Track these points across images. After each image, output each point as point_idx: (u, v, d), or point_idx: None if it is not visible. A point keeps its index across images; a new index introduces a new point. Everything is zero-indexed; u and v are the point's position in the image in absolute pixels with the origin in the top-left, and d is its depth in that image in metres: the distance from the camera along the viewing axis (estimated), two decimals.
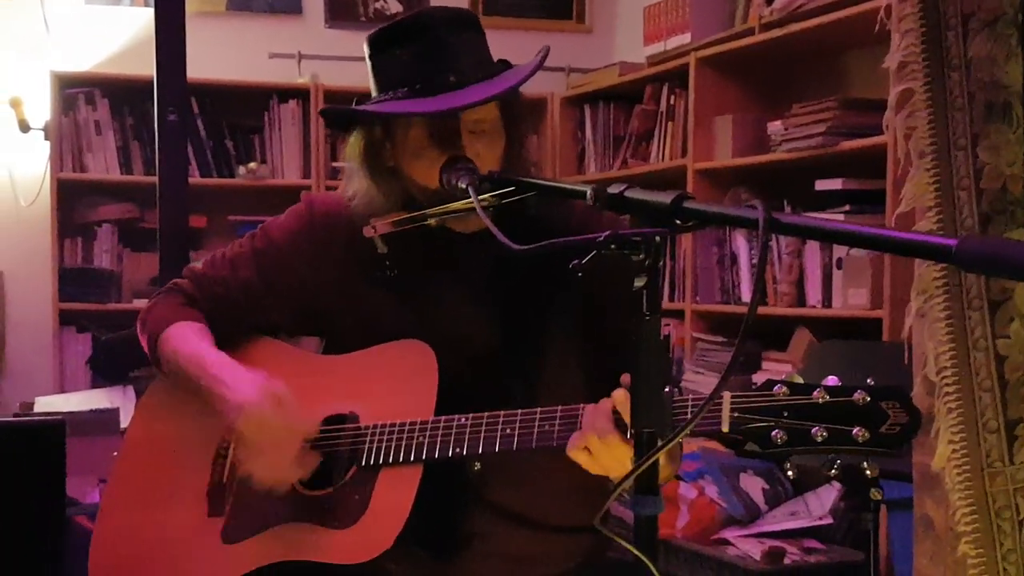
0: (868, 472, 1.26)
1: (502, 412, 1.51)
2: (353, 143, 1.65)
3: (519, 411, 1.50)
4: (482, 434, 1.51)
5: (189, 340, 1.71)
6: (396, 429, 1.57)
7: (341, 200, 1.72)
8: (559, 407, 1.48)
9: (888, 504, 2.39)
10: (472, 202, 1.44)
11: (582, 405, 1.45)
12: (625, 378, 1.39)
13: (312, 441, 1.61)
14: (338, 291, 1.71)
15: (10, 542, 2.06)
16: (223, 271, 1.77)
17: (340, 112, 1.66)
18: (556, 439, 1.46)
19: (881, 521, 2.55)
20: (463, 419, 1.53)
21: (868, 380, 1.31)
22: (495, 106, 1.61)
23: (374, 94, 1.64)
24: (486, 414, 1.52)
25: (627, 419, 1.32)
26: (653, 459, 1.10)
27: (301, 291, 1.73)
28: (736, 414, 1.33)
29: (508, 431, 1.50)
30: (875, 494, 2.29)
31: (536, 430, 1.48)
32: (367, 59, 1.64)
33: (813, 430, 1.29)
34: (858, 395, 1.29)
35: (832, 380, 1.32)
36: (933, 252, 0.95)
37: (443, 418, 1.55)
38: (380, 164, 1.64)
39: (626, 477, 1.11)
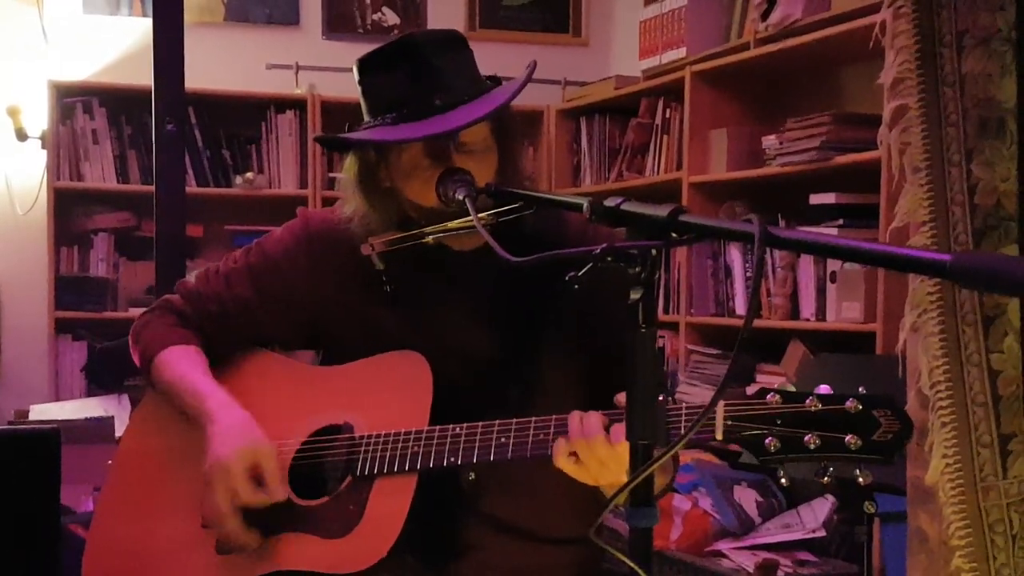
0: (861, 480, 1.27)
1: (497, 421, 1.52)
2: (349, 165, 1.67)
3: (513, 420, 1.51)
4: (476, 443, 1.52)
5: (181, 367, 1.71)
6: (391, 439, 1.57)
7: (337, 216, 1.73)
8: (553, 416, 1.48)
9: (881, 517, 2.40)
10: (468, 220, 1.45)
11: (574, 413, 1.46)
12: (620, 397, 1.40)
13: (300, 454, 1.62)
14: (335, 306, 1.71)
15: (4, 551, 2.05)
16: (217, 287, 1.77)
17: (335, 141, 1.68)
18: (551, 449, 1.46)
19: (874, 534, 2.55)
20: (457, 428, 1.54)
21: (860, 388, 1.32)
22: (485, 124, 1.61)
23: (365, 118, 1.65)
24: (480, 423, 1.53)
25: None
26: (649, 471, 1.11)
27: (297, 306, 1.74)
28: (730, 422, 1.34)
29: (503, 440, 1.50)
30: (869, 507, 2.30)
31: (531, 439, 1.49)
32: (357, 83, 1.66)
33: (806, 438, 1.30)
34: (850, 403, 1.30)
35: (824, 388, 1.33)
36: (927, 267, 0.95)
37: (437, 427, 1.55)
38: (376, 185, 1.65)
39: (621, 489, 1.11)
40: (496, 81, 1.66)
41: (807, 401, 1.32)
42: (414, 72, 1.58)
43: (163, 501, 1.73)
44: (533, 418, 1.50)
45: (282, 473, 1.62)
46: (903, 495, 1.82)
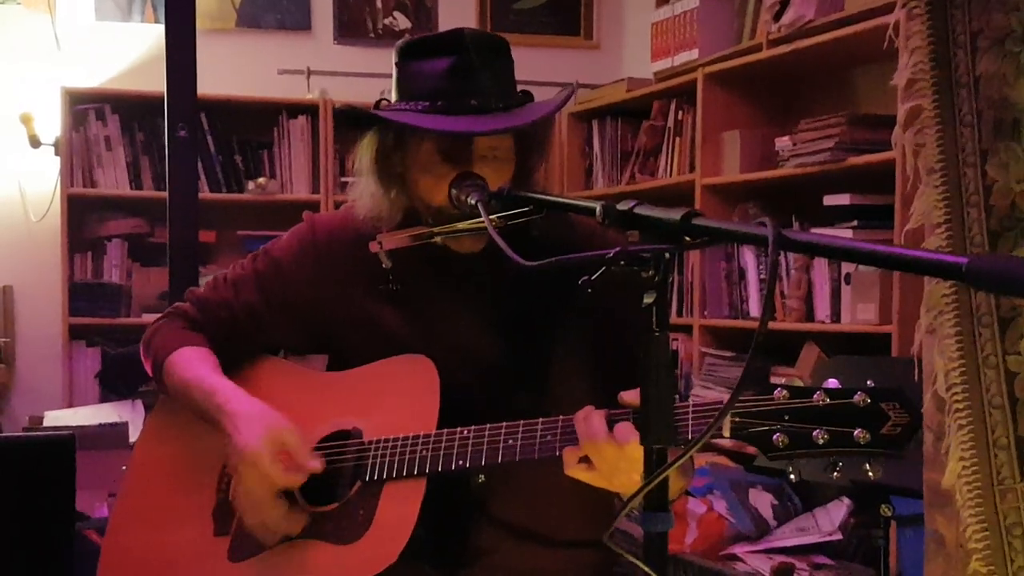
0: (871, 474, 1.25)
1: (504, 424, 1.51)
2: (365, 146, 1.66)
3: (521, 422, 1.50)
4: (484, 445, 1.51)
5: (193, 366, 1.71)
6: (399, 443, 1.57)
7: (343, 217, 1.74)
8: (560, 417, 1.47)
9: (898, 520, 2.38)
10: (478, 222, 1.45)
11: (578, 413, 1.45)
12: (624, 395, 1.39)
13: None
14: (343, 307, 1.72)
15: (20, 557, 2.06)
16: (226, 294, 1.77)
17: (358, 115, 1.66)
18: (559, 449, 1.46)
19: (891, 537, 2.54)
20: (465, 431, 1.53)
21: (868, 382, 1.30)
22: (509, 135, 1.62)
23: (394, 98, 1.65)
24: (488, 426, 1.52)
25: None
26: (663, 476, 1.10)
27: (305, 310, 1.74)
28: (737, 419, 1.32)
29: (510, 442, 1.50)
30: (885, 510, 2.28)
31: (538, 440, 1.48)
32: (394, 64, 1.65)
33: (814, 433, 1.27)
34: (858, 397, 1.27)
35: (833, 383, 1.31)
36: (944, 270, 0.94)
37: (445, 431, 1.55)
38: (389, 170, 1.65)
39: (636, 494, 1.11)
40: (528, 97, 1.66)
41: (815, 396, 1.29)
42: (457, 67, 1.58)
43: (178, 508, 1.73)
44: (540, 419, 1.49)
45: (309, 448, 1.60)
46: (920, 498, 1.80)
